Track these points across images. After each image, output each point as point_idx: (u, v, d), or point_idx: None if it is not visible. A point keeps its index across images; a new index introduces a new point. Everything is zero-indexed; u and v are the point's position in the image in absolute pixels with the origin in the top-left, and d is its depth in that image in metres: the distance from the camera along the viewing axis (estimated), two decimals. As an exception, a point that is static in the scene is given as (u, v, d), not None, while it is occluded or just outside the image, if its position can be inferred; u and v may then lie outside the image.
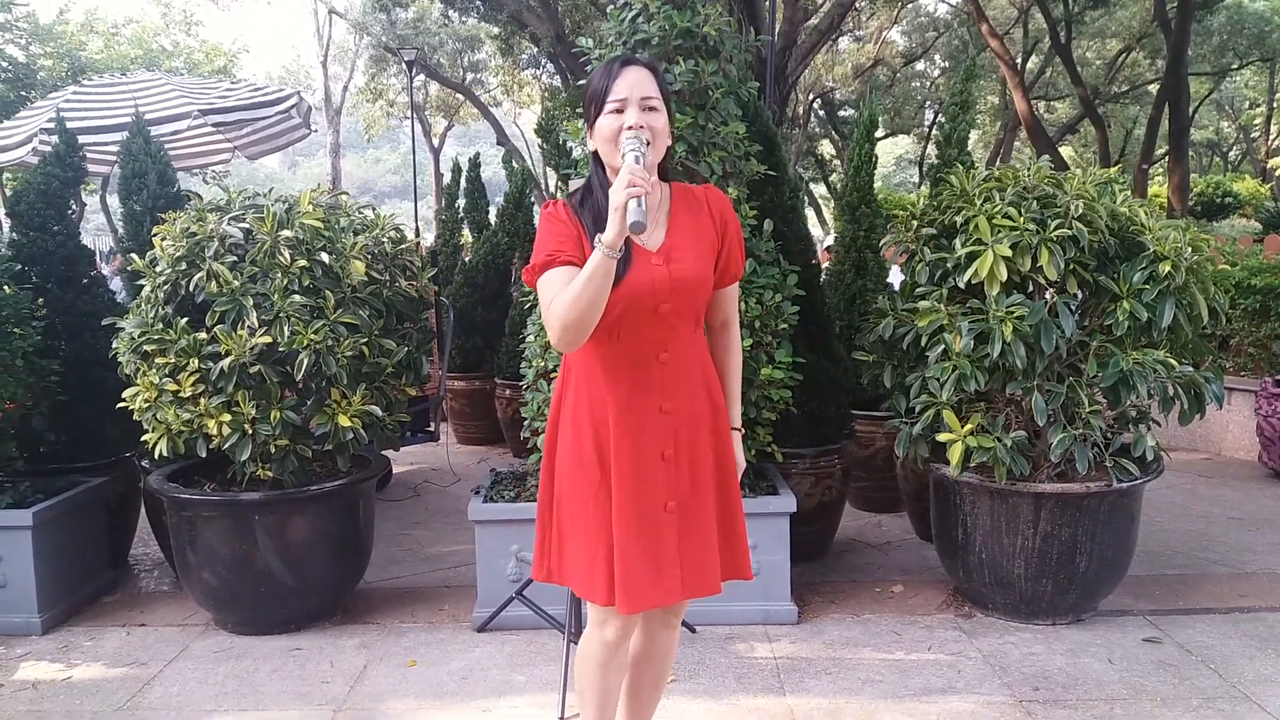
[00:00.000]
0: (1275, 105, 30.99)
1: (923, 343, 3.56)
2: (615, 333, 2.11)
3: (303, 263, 3.45)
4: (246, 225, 3.55)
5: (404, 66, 20.50)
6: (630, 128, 2.05)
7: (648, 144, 2.03)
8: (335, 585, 3.83)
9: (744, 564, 2.33)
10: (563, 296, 1.99)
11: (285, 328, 3.39)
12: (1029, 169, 3.65)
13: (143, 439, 3.61)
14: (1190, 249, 3.41)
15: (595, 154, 2.19)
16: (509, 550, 3.61)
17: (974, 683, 3.19)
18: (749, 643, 3.52)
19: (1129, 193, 3.75)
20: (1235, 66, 26.55)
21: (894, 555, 4.54)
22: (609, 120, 2.09)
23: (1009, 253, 3.32)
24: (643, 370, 2.16)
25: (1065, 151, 28.33)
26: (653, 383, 2.16)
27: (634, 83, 2.09)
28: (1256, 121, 33.24)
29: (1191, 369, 3.50)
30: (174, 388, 3.45)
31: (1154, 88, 23.50)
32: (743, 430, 2.42)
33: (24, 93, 16.42)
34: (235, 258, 3.51)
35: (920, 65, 28.98)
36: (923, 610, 3.82)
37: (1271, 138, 32.45)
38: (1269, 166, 32.07)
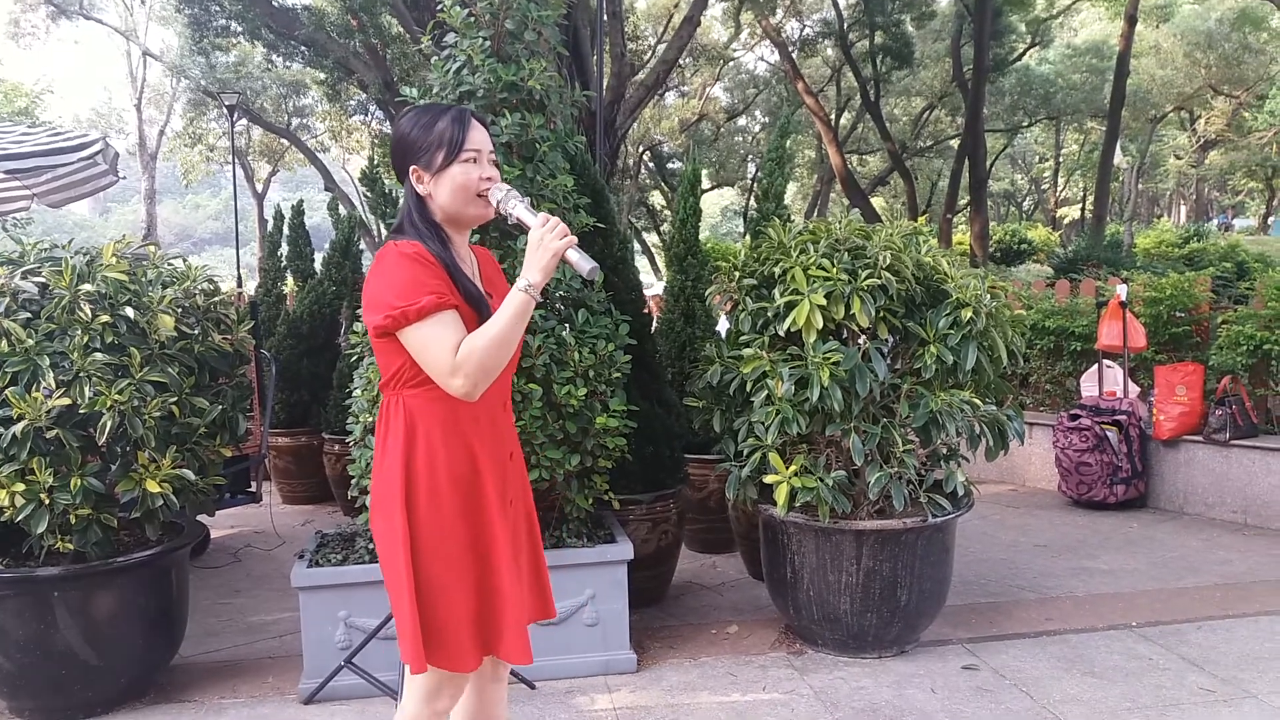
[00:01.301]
0: (1061, 159, 33.71)
1: (748, 388, 3.66)
2: None
3: (105, 318, 3.26)
4: (43, 279, 3.33)
5: (225, 110, 19.83)
6: (484, 178, 2.09)
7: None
8: (147, 663, 3.58)
9: (551, 600, 2.35)
10: (482, 341, 1.96)
11: (86, 388, 3.18)
12: (841, 222, 3.83)
13: (-77, 513, 3.31)
14: (989, 296, 3.65)
15: (419, 197, 2.14)
16: (336, 616, 3.47)
17: (806, 720, 3.27)
18: (589, 695, 3.49)
19: (934, 242, 3.99)
20: (1026, 124, 28.84)
21: (729, 595, 4.62)
22: (468, 169, 2.09)
23: (824, 301, 3.47)
24: (494, 419, 2.16)
25: (877, 202, 29.93)
26: (502, 431, 2.18)
27: (484, 139, 2.13)
28: (1046, 174, 36.09)
29: (995, 408, 3.73)
30: (-40, 456, 3.18)
31: (955, 143, 25.20)
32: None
33: None
34: (29, 314, 3.28)
35: (742, 120, 30.16)
36: (757, 649, 3.89)
37: (1059, 189, 35.26)
38: (1058, 215, 34.81)
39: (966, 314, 3.53)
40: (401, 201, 2.22)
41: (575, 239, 2.00)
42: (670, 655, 3.84)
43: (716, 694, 3.48)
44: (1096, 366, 6.26)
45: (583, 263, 1.99)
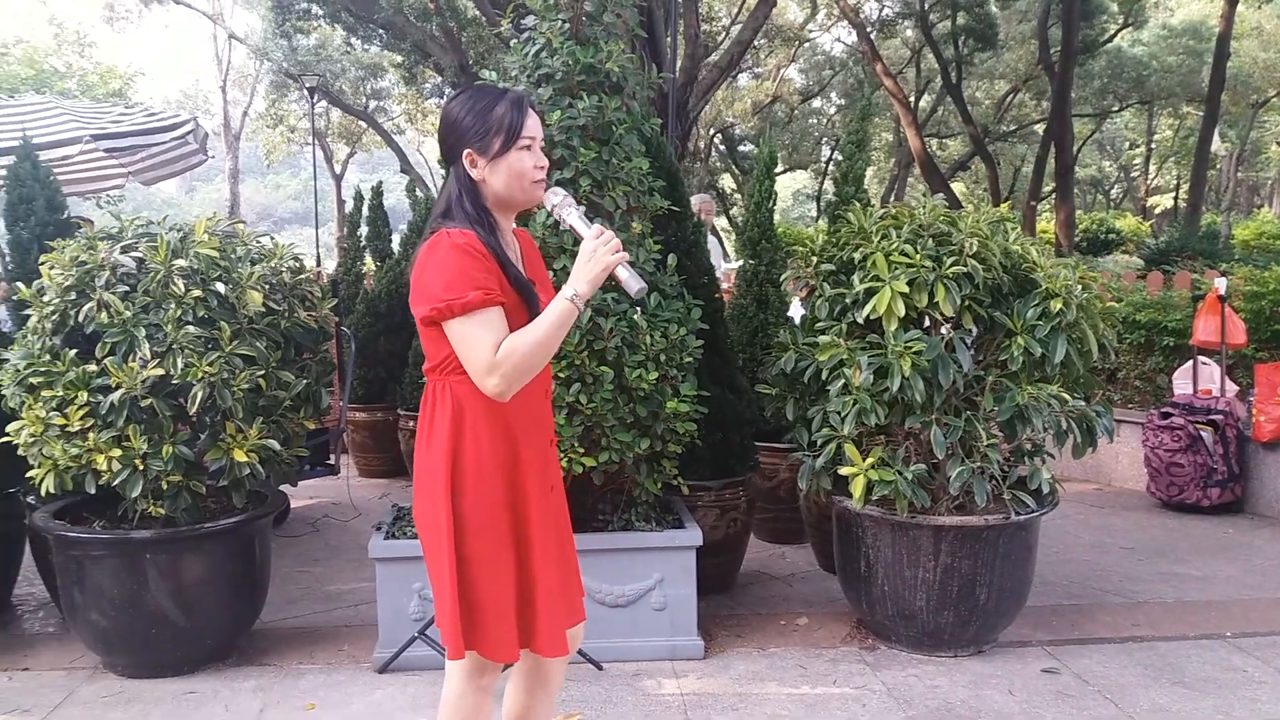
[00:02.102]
0: (1154, 146, 32.63)
1: (824, 376, 3.62)
2: None
3: (197, 293, 3.35)
4: (139, 254, 3.44)
5: (305, 92, 20.19)
6: (538, 166, 2.11)
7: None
8: (230, 626, 3.69)
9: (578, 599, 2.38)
10: (524, 344, 1.98)
11: (178, 360, 3.28)
12: (924, 207, 3.76)
13: (28, 475, 3.45)
14: (1080, 286, 3.55)
15: (471, 182, 2.13)
16: (411, 588, 3.54)
17: (878, 716, 3.23)
18: (656, 679, 3.50)
19: (1020, 230, 3.90)
20: (1116, 109, 27.93)
21: (798, 587, 4.59)
22: (524, 156, 2.11)
23: (906, 289, 3.42)
24: (537, 407, 2.19)
25: (957, 187, 29.36)
26: (544, 417, 2.22)
27: (538, 127, 2.14)
28: (1136, 161, 34.95)
29: (1083, 403, 3.64)
30: (61, 421, 3.31)
31: (1040, 128, 24.56)
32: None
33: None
34: (127, 288, 3.40)
35: (817, 103, 29.76)
36: (827, 643, 3.86)
37: (1150, 177, 34.16)
38: (1149, 204, 33.74)
39: (1056, 305, 3.44)
40: (445, 184, 2.19)
41: (627, 255, 1.99)
42: (738, 644, 3.83)
43: (785, 685, 3.47)
44: (1191, 363, 6.04)
45: (632, 281, 1.99)
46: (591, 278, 2.01)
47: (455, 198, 2.12)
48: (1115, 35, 24.22)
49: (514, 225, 2.28)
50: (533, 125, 2.12)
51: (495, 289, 2.02)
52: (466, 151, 2.11)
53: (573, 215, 2.11)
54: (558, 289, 2.07)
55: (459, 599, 2.07)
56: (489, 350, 1.97)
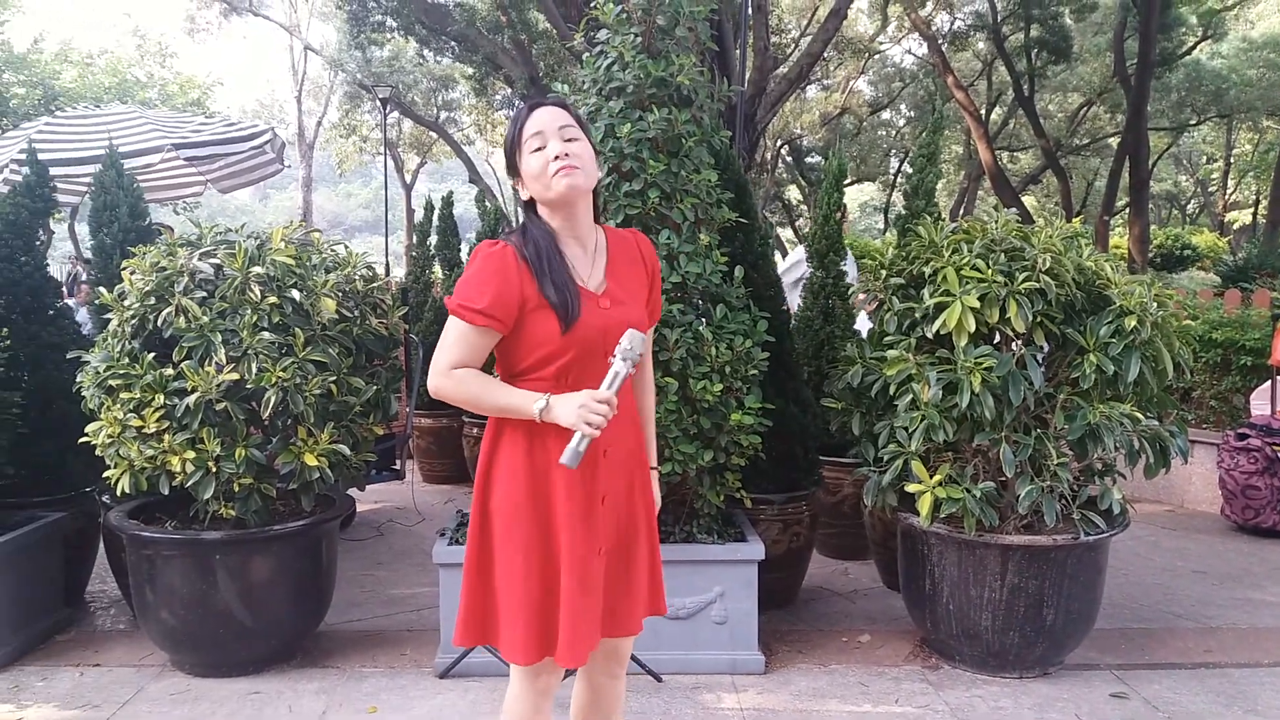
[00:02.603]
0: (1232, 160, 31.76)
1: (891, 391, 3.58)
2: (564, 377, 2.11)
3: (273, 299, 3.43)
4: (218, 261, 3.52)
5: (378, 103, 20.56)
6: (557, 156, 2.07)
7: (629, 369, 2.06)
8: (296, 627, 3.76)
9: (662, 598, 2.34)
10: (475, 390, 2.07)
11: (253, 365, 3.35)
12: (996, 221, 3.70)
13: (104, 475, 3.55)
14: (1155, 304, 3.47)
15: (528, 202, 2.18)
16: (475, 594, 3.56)
17: (941, 735, 3.19)
18: (716, 693, 3.48)
19: (1093, 246, 3.82)
20: (1193, 122, 27.24)
21: (861, 604, 4.54)
22: (534, 159, 2.10)
23: (977, 304, 3.36)
24: None
25: (1028, 201, 28.85)
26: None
27: (547, 119, 2.11)
28: (1214, 176, 34.02)
29: (1157, 422, 3.55)
30: (138, 423, 3.40)
31: (1114, 141, 24.06)
32: (658, 469, 2.46)
33: (-4, 121, 16.29)
34: (205, 293, 3.48)
35: (886, 114, 29.49)
36: (890, 661, 3.80)
37: (1229, 192, 33.22)
38: (1226, 220, 32.80)
39: (1130, 322, 3.36)
40: None
41: (595, 432, 1.97)
42: (799, 660, 3.80)
43: (846, 703, 3.43)
44: (1270, 384, 5.86)
45: (568, 453, 1.96)
46: (564, 416, 2.00)
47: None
48: (1194, 48, 23.64)
49: (606, 224, 2.27)
50: (534, 123, 2.11)
51: (491, 310, 2.05)
52: (513, 180, 2.20)
53: (615, 367, 2.04)
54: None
55: (472, 590, 2.18)
56: (447, 361, 2.08)
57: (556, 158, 2.07)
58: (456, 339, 2.08)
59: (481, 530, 2.17)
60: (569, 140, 2.10)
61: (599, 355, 2.10)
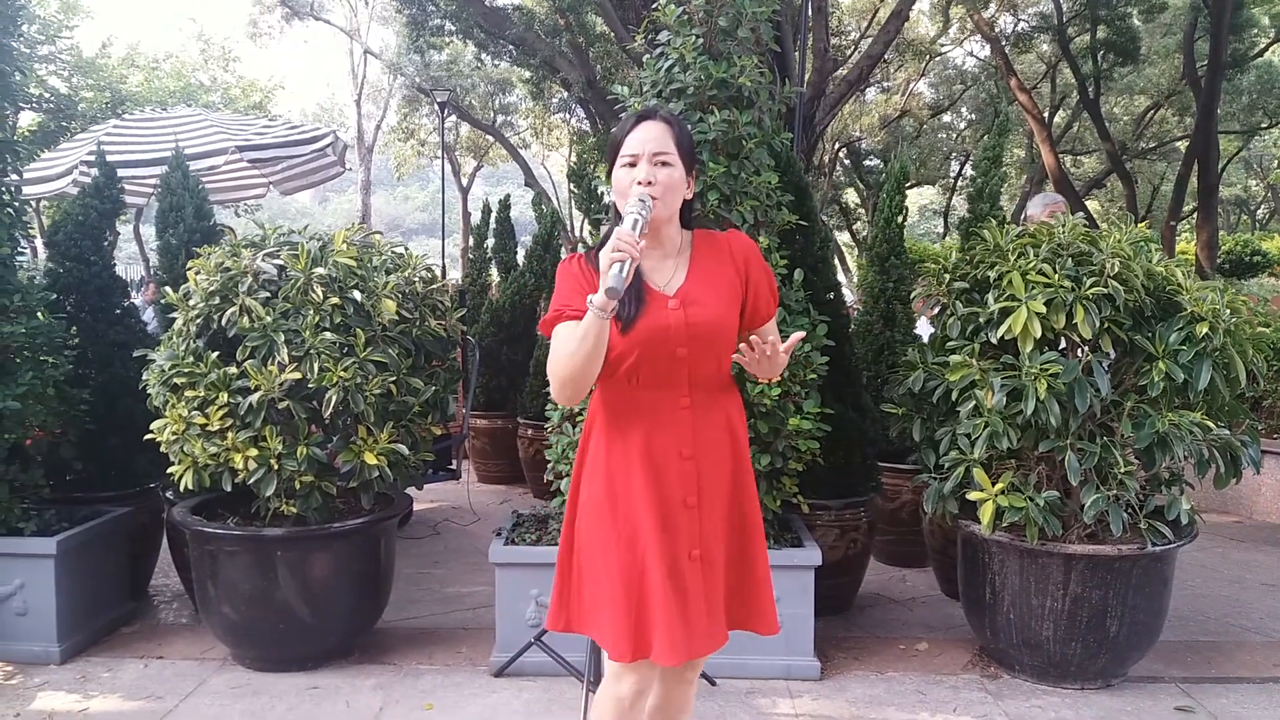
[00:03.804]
0: (1305, 165, 30.83)
1: (954, 397, 3.52)
2: (635, 377, 2.12)
3: (335, 300, 3.47)
4: (280, 262, 3.57)
5: (436, 107, 20.78)
6: (640, 183, 2.07)
7: (650, 210, 2.04)
8: (354, 624, 3.80)
9: (771, 615, 2.29)
10: (557, 353, 2.05)
11: (315, 364, 3.40)
12: (1063, 225, 3.63)
13: (168, 471, 3.61)
14: (1229, 310, 3.37)
15: (614, 205, 2.22)
16: (529, 594, 3.58)
17: (1001, 747, 3.13)
18: (770, 698, 3.46)
19: (1162, 251, 3.73)
20: (1265, 125, 26.48)
21: (918, 611, 4.47)
22: (622, 174, 2.14)
23: (1043, 309, 3.30)
24: (664, 415, 2.15)
25: (1092, 205, 28.29)
26: (674, 428, 2.15)
27: (646, 138, 2.12)
28: (1286, 181, 33.03)
29: (1228, 432, 3.45)
30: (202, 421, 3.46)
31: (1182, 144, 23.49)
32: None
33: (65, 123, 16.71)
34: (268, 294, 3.54)
35: (947, 117, 29.09)
36: (948, 669, 3.74)
37: (1301, 197, 32.22)
38: (1298, 226, 31.81)
39: (1202, 329, 3.28)
40: None
41: (624, 255, 1.91)
42: (855, 666, 3.76)
43: (904, 711, 3.38)
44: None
45: (609, 279, 1.91)
46: (601, 265, 1.97)
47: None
48: (1266, 49, 23.00)
49: (687, 231, 2.25)
50: (635, 140, 2.12)
51: (578, 304, 2.07)
52: (607, 177, 2.23)
53: (625, 222, 2.00)
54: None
55: (566, 577, 2.24)
56: (550, 367, 2.11)
57: (639, 183, 2.09)
58: (554, 342, 2.12)
59: (573, 523, 2.24)
60: (660, 164, 2.11)
61: (668, 356, 2.11)
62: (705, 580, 2.16)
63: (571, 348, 2.01)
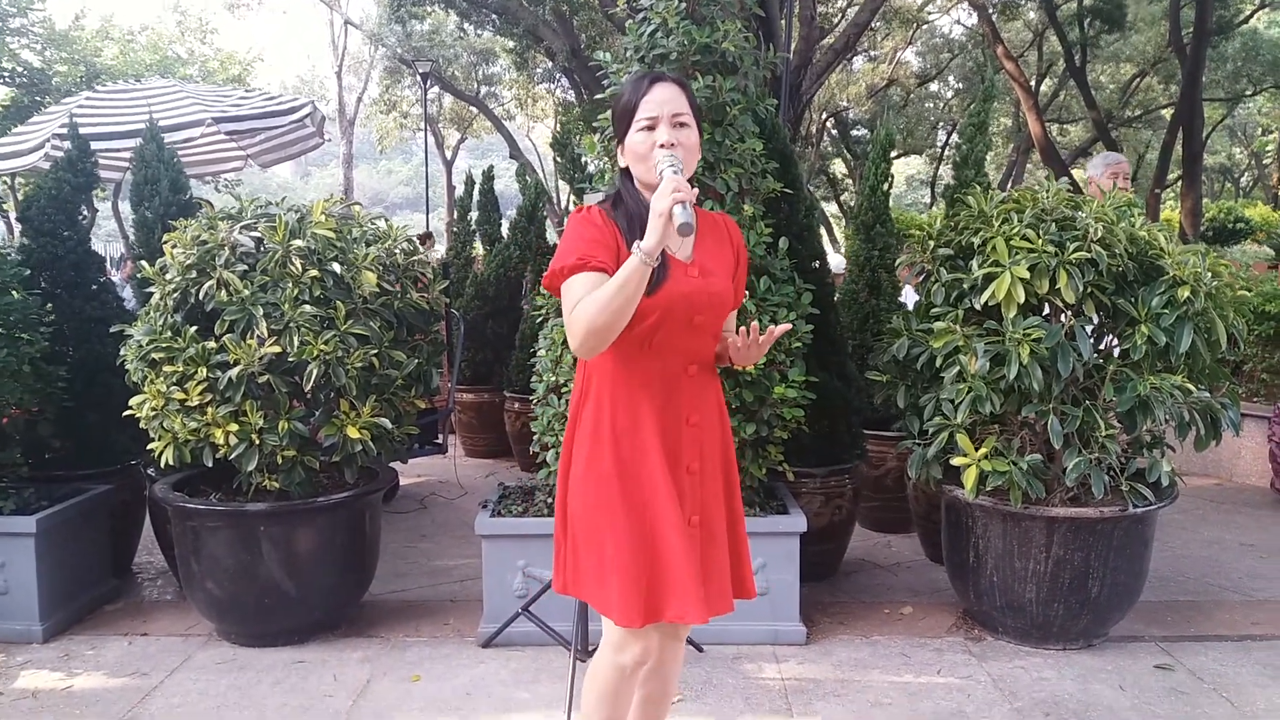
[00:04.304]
0: (1289, 132, 30.88)
1: (938, 364, 3.52)
2: (648, 343, 2.10)
3: (314, 273, 3.44)
4: (258, 234, 3.54)
5: (418, 79, 20.57)
6: (662, 145, 2.06)
7: (681, 167, 2.01)
8: (340, 598, 3.79)
9: (750, 582, 2.32)
10: (592, 300, 1.97)
11: (295, 338, 3.37)
12: (1047, 191, 3.62)
13: (149, 447, 3.59)
14: (1210, 274, 3.38)
15: (625, 169, 2.19)
16: (516, 565, 3.58)
17: (984, 707, 3.15)
18: (757, 663, 3.47)
19: (1145, 216, 3.73)
20: (1249, 93, 26.50)
21: (903, 576, 4.50)
22: (640, 137, 2.10)
23: (1027, 275, 3.29)
24: (673, 382, 2.15)
25: (1078, 174, 28.28)
26: (682, 395, 2.16)
27: (664, 99, 2.10)
28: (1269, 148, 33.12)
29: (1208, 395, 3.46)
30: (181, 396, 3.43)
31: (1167, 112, 23.49)
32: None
33: (38, 98, 16.49)
34: (246, 266, 3.50)
35: (934, 86, 28.99)
36: (932, 632, 3.77)
37: (1285, 164, 32.30)
38: (1281, 193, 31.92)
39: (1183, 292, 3.28)
40: None
41: (683, 195, 1.91)
42: (841, 631, 3.78)
43: (888, 673, 3.40)
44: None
45: (679, 215, 1.90)
46: (653, 227, 1.94)
47: (619, 183, 2.21)
48: (1251, 16, 22.95)
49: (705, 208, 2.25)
50: (653, 101, 2.08)
51: (601, 256, 2.04)
52: (616, 141, 2.18)
53: (666, 173, 1.99)
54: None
55: (562, 542, 2.22)
56: (571, 310, 2.02)
57: (662, 145, 2.06)
58: (572, 291, 2.03)
59: (569, 490, 2.19)
60: (679, 125, 2.09)
61: (685, 323, 2.10)
62: (705, 545, 2.18)
63: (608, 294, 1.95)
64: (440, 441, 5.64)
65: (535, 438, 3.73)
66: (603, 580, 2.12)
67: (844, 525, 4.37)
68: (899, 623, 3.88)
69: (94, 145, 4.58)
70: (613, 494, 2.11)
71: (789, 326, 2.22)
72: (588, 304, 1.97)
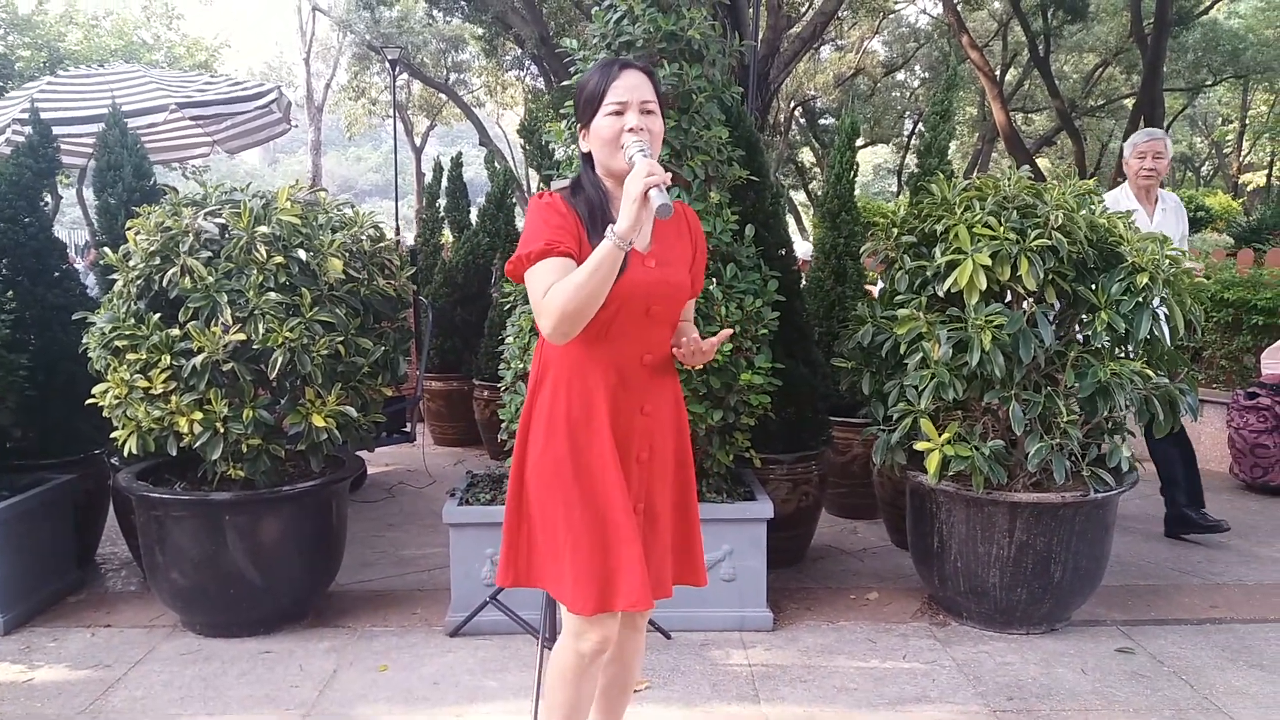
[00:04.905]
0: (1248, 122, 31.34)
1: (901, 350, 3.55)
2: (605, 332, 2.10)
3: (279, 259, 3.41)
4: (222, 220, 3.50)
5: (387, 65, 20.40)
6: (630, 130, 2.06)
7: (649, 153, 2.02)
8: (306, 587, 3.78)
9: (701, 571, 2.34)
10: (564, 285, 1.97)
11: (260, 325, 3.34)
12: (1009, 179, 3.66)
13: (112, 436, 3.55)
14: (1168, 261, 3.43)
15: (586, 155, 2.19)
16: (484, 554, 3.58)
17: (948, 691, 3.19)
18: (724, 649, 3.50)
19: (1105, 204, 3.78)
20: (1209, 83, 26.84)
21: (869, 562, 4.54)
22: (608, 121, 2.09)
23: (989, 262, 3.33)
24: (628, 371, 2.16)
25: (1042, 163, 28.56)
26: (636, 384, 2.17)
27: (632, 86, 2.09)
28: (1229, 138, 33.59)
29: (1167, 381, 3.52)
30: (145, 384, 3.39)
31: (1129, 102, 23.74)
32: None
33: (0, 83, 16.20)
34: (210, 253, 3.46)
35: (900, 75, 29.15)
36: (897, 618, 3.81)
37: (1244, 154, 32.81)
38: (1241, 182, 32.43)
39: (1142, 279, 3.33)
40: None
41: (658, 179, 1.91)
42: (807, 617, 3.81)
43: (854, 659, 3.44)
44: (1280, 342, 5.83)
45: (655, 198, 1.90)
46: (626, 211, 1.94)
47: (580, 171, 2.21)
48: (1211, 7, 23.23)
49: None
50: (622, 88, 2.08)
51: (566, 242, 2.04)
52: (579, 125, 2.17)
53: (636, 158, 1.99)
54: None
55: (515, 532, 2.21)
56: (542, 295, 2.01)
57: (631, 130, 2.06)
58: (538, 277, 2.02)
59: (522, 481, 2.20)
60: (646, 113, 2.09)
61: (641, 313, 2.11)
62: (649, 532, 2.20)
63: (581, 278, 1.95)
64: (409, 430, 5.62)
65: (503, 425, 3.73)
66: (559, 567, 2.14)
67: (811, 511, 4.41)
68: (865, 608, 3.92)
69: (56, 130, 4.52)
70: (567, 481, 2.12)
71: (730, 332, 2.25)
72: (561, 288, 1.97)
